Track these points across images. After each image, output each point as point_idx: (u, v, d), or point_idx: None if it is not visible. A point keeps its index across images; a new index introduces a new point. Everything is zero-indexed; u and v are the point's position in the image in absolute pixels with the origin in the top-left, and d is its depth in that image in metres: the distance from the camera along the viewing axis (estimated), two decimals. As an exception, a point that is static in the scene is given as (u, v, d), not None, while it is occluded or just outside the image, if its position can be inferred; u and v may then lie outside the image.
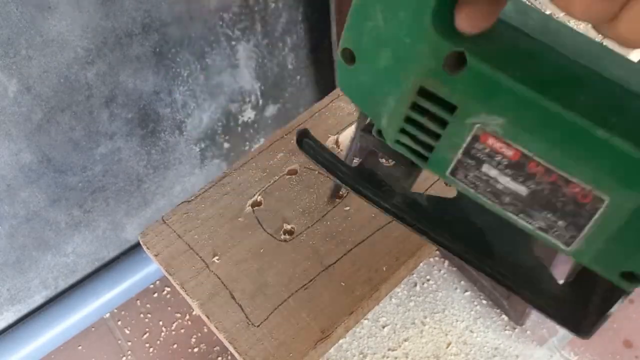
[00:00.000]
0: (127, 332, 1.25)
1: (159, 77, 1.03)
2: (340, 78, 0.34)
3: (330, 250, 0.47)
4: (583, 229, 0.30)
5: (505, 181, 0.31)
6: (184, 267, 0.47)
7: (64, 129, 0.96)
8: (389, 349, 1.22)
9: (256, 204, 0.50)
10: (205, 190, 0.52)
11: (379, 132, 0.35)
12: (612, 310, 0.34)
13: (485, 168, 0.31)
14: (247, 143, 1.30)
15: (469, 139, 0.30)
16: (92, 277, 1.21)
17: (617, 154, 0.27)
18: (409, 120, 0.32)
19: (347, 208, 0.49)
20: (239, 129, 1.25)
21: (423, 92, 0.30)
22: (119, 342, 1.24)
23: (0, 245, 1.03)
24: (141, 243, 0.50)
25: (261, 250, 0.48)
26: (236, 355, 0.43)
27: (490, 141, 0.30)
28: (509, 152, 0.30)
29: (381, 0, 0.29)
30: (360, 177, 0.39)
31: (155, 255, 0.48)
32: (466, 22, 0.27)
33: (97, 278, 1.21)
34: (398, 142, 0.33)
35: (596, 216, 0.29)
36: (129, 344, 1.23)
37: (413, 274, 1.32)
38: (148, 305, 1.28)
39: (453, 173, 0.32)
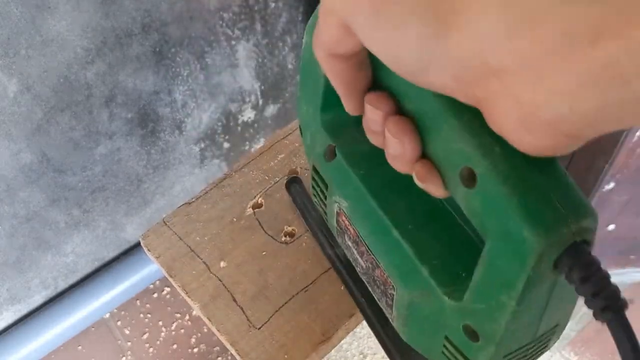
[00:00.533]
0: (127, 332, 1.25)
1: (159, 77, 1.03)
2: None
3: (331, 252, 0.47)
4: (392, 307, 0.37)
5: (354, 253, 0.39)
6: (185, 270, 0.47)
7: (64, 129, 0.96)
8: (389, 349, 1.22)
9: (257, 206, 0.50)
10: (205, 192, 0.52)
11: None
12: None
13: (345, 238, 0.39)
14: (247, 143, 1.30)
15: (335, 212, 0.38)
16: (92, 277, 1.21)
17: (403, 255, 0.33)
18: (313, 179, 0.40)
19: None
20: (239, 128, 1.25)
21: (314, 169, 0.39)
22: (119, 342, 1.23)
23: (0, 245, 1.03)
24: (142, 245, 0.50)
25: (262, 253, 0.48)
26: (237, 357, 0.43)
27: (342, 218, 0.38)
28: (351, 230, 0.37)
29: (304, 99, 0.37)
30: (323, 227, 0.45)
31: (157, 257, 0.48)
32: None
33: (97, 278, 1.21)
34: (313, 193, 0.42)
35: (394, 301, 0.36)
36: (129, 344, 1.23)
37: (413, 274, 1.32)
38: (148, 306, 1.28)
39: (337, 233, 0.41)
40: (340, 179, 0.37)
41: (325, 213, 0.41)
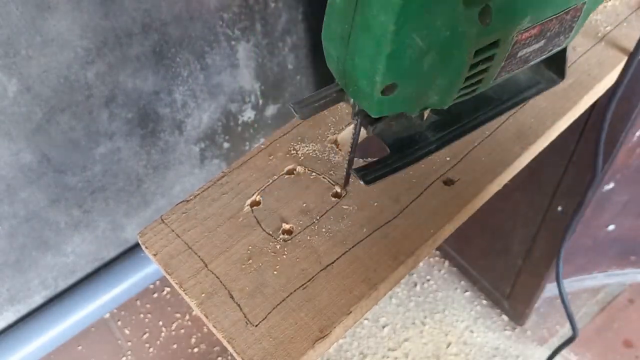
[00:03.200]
0: (127, 332, 1.25)
1: (159, 77, 1.03)
2: (377, 108, 0.39)
3: (328, 250, 0.47)
4: (573, 28, 0.44)
5: (533, 47, 0.42)
6: (183, 267, 0.47)
7: (64, 129, 0.96)
8: (389, 349, 1.22)
9: (255, 204, 0.50)
10: (204, 190, 0.52)
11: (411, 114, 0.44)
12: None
13: (520, 53, 0.42)
14: (247, 143, 1.30)
15: (510, 48, 0.40)
16: (92, 277, 1.21)
17: None
18: (467, 78, 0.40)
19: (346, 207, 0.49)
20: (239, 128, 1.25)
21: (478, 53, 0.38)
22: (119, 342, 1.24)
23: (0, 245, 1.03)
24: (140, 242, 0.50)
25: (260, 250, 0.48)
26: (234, 354, 0.43)
27: (524, 36, 0.40)
28: (535, 30, 0.41)
29: (417, 29, 0.34)
30: (401, 153, 0.45)
31: (154, 255, 0.48)
32: None
33: (97, 278, 1.21)
34: (456, 99, 0.42)
35: (582, 13, 0.43)
36: (129, 344, 1.23)
37: (413, 274, 1.32)
38: (148, 305, 1.28)
39: (497, 77, 0.43)
40: (512, 13, 0.38)
41: (484, 80, 0.42)
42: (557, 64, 0.50)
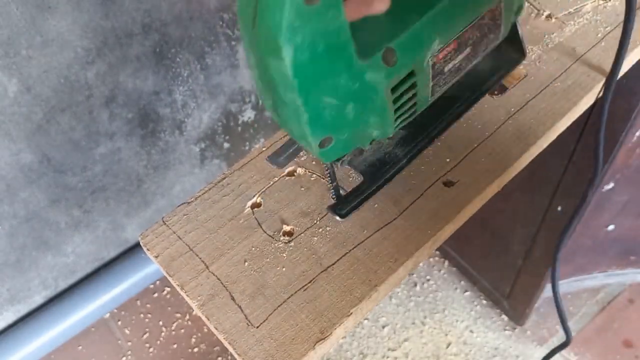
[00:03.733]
0: (127, 332, 1.25)
1: (159, 77, 1.03)
2: (324, 157, 0.40)
3: (329, 251, 0.47)
4: (501, 25, 0.45)
5: (459, 58, 0.43)
6: (184, 269, 0.47)
7: (64, 129, 0.96)
8: (389, 349, 1.22)
9: (255, 205, 0.50)
10: (204, 192, 0.52)
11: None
12: (519, 31, 0.50)
13: (447, 68, 0.42)
14: (247, 143, 1.30)
15: (430, 71, 0.41)
16: (92, 277, 1.22)
17: None
18: (396, 110, 0.40)
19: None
20: (239, 128, 1.25)
21: (395, 89, 0.39)
22: (119, 342, 1.24)
23: (0, 245, 1.03)
24: (141, 244, 0.50)
25: (261, 251, 0.48)
26: (236, 356, 0.43)
27: (441, 55, 0.41)
28: (451, 46, 0.41)
29: (324, 92, 0.35)
30: (374, 175, 0.45)
31: (156, 257, 0.48)
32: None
33: (97, 278, 1.21)
34: (396, 126, 0.42)
35: (502, 11, 0.43)
36: (129, 344, 1.23)
37: (413, 274, 1.32)
38: (148, 305, 1.28)
39: (432, 94, 0.43)
40: (417, 45, 0.38)
41: (418, 103, 0.42)
42: (513, 45, 0.50)
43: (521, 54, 0.50)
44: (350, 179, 0.48)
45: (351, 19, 0.34)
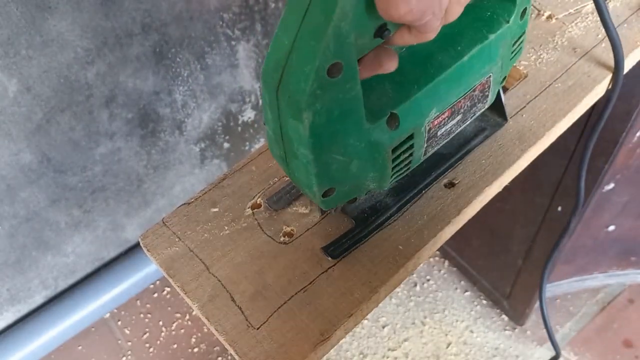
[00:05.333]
0: (127, 332, 1.25)
1: (159, 77, 1.03)
2: (325, 205, 0.44)
3: (329, 253, 0.47)
4: (488, 95, 0.48)
5: (450, 124, 0.46)
6: (184, 270, 0.47)
7: (64, 129, 0.96)
8: (389, 349, 1.22)
9: (256, 206, 0.50)
10: (205, 192, 0.52)
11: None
12: (502, 98, 0.53)
13: (439, 132, 0.46)
14: (247, 143, 1.30)
15: (426, 134, 0.44)
16: (92, 277, 1.22)
17: (472, 61, 0.43)
18: (394, 167, 0.44)
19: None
20: (239, 128, 1.25)
21: (395, 149, 0.42)
22: (119, 342, 1.24)
23: (0, 245, 1.03)
24: (141, 245, 0.50)
25: (261, 253, 0.48)
26: (236, 357, 0.43)
27: (436, 122, 0.44)
28: (445, 114, 0.45)
29: (334, 151, 0.38)
30: (365, 223, 0.48)
31: (156, 258, 0.48)
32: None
33: (97, 278, 1.21)
34: (391, 181, 0.45)
35: (491, 83, 0.47)
36: (129, 344, 1.23)
37: (413, 274, 1.32)
38: (148, 305, 1.28)
39: (424, 154, 0.46)
40: (418, 112, 0.42)
41: (412, 162, 0.45)
42: (497, 110, 0.54)
43: (503, 118, 0.54)
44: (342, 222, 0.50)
45: (363, 77, 0.37)
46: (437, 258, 1.34)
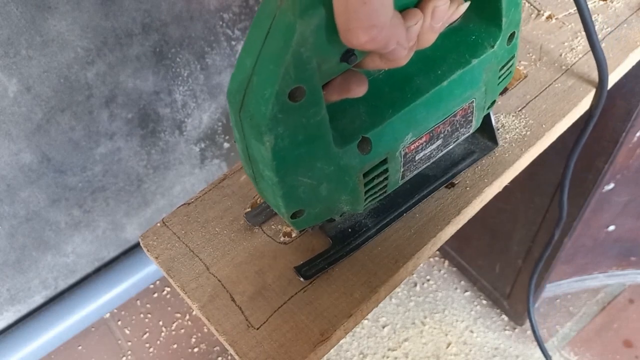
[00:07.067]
0: (127, 332, 1.25)
1: (159, 77, 1.03)
2: (296, 226, 0.43)
3: (329, 253, 0.47)
4: (472, 120, 0.47)
5: (430, 148, 0.45)
6: (184, 270, 0.47)
7: (64, 129, 0.96)
8: (389, 349, 1.22)
9: (256, 206, 0.50)
10: (205, 193, 0.52)
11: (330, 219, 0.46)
12: (492, 122, 0.51)
13: (417, 157, 0.45)
14: (247, 143, 1.30)
15: (402, 159, 0.43)
16: (92, 277, 1.22)
17: (452, 86, 0.42)
18: (367, 191, 0.43)
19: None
20: (239, 128, 1.24)
21: (366, 174, 0.41)
22: (119, 342, 1.24)
23: (0, 245, 1.03)
24: (142, 245, 0.50)
25: (261, 253, 0.48)
26: (236, 357, 0.43)
27: (413, 146, 0.43)
28: (423, 139, 0.44)
29: (300, 173, 0.38)
30: (342, 244, 0.47)
31: (156, 258, 0.48)
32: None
33: (97, 278, 1.21)
34: (366, 205, 0.44)
35: (474, 109, 0.46)
36: (129, 344, 1.23)
37: (413, 274, 1.32)
38: (148, 305, 1.28)
39: (402, 178, 0.45)
40: (392, 138, 0.41)
41: (389, 186, 0.44)
42: (487, 133, 0.52)
43: (494, 142, 0.52)
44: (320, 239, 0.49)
45: (331, 101, 0.37)
46: (437, 258, 1.34)
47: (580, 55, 0.58)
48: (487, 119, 0.50)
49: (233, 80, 0.35)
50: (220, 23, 1.04)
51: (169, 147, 1.14)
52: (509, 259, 1.11)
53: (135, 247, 1.27)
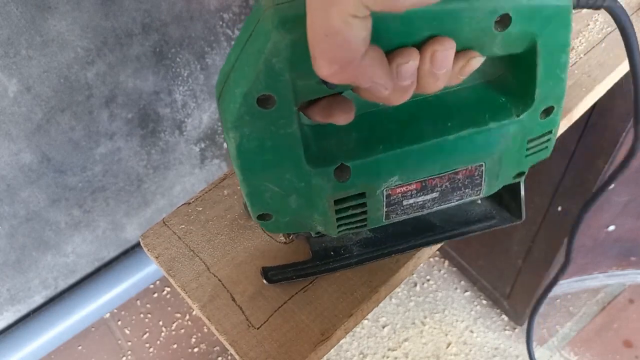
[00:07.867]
0: (127, 332, 1.25)
1: (159, 77, 1.03)
2: (267, 228, 0.43)
3: (330, 253, 0.47)
4: (481, 184, 0.43)
5: (422, 198, 0.42)
6: (185, 270, 0.47)
7: (64, 129, 0.96)
8: (389, 349, 1.22)
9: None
10: (205, 192, 0.52)
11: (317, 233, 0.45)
12: (522, 194, 0.48)
13: (406, 202, 0.42)
14: (247, 143, 1.30)
15: (384, 199, 0.40)
16: (92, 277, 1.22)
17: (458, 143, 0.39)
18: (339, 219, 0.41)
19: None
20: (239, 128, 1.25)
21: (338, 202, 0.39)
22: (119, 342, 1.24)
23: (0, 245, 1.03)
24: (142, 245, 0.50)
25: (261, 253, 0.48)
26: (237, 357, 0.43)
27: (399, 190, 0.40)
28: (412, 186, 0.41)
29: (267, 180, 0.37)
30: (321, 261, 0.46)
31: (156, 257, 0.48)
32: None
33: (97, 278, 1.21)
34: (340, 231, 0.42)
35: (484, 173, 0.42)
36: (129, 344, 1.23)
37: (413, 274, 1.32)
38: (148, 305, 1.28)
39: (387, 218, 0.42)
40: (374, 173, 0.39)
41: (369, 221, 0.42)
42: (514, 203, 0.49)
43: (518, 216, 0.49)
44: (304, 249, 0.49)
45: (315, 121, 0.36)
46: (437, 258, 1.34)
47: (581, 55, 0.58)
48: (515, 188, 0.47)
49: (221, 70, 0.35)
50: (220, 23, 1.04)
51: (169, 147, 1.14)
52: (509, 259, 1.11)
53: (135, 247, 1.27)
